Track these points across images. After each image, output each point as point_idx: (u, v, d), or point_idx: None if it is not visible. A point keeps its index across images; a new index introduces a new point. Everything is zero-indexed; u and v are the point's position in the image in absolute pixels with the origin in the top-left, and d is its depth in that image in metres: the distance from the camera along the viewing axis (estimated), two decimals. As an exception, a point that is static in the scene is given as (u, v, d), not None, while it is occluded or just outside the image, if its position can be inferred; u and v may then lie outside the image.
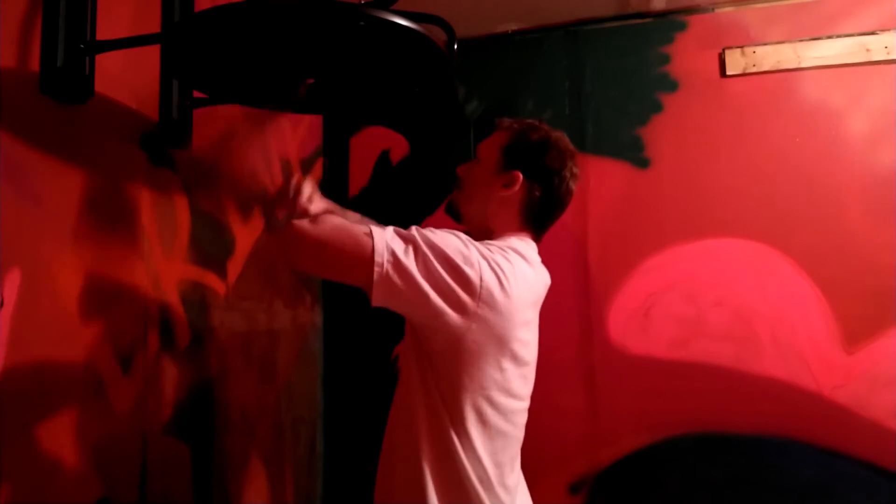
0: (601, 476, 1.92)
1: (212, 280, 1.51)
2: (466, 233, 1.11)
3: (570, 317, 1.97)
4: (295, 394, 1.93)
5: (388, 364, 2.11)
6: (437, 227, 1.06)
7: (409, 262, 0.97)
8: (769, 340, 1.84)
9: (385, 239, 0.98)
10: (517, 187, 1.16)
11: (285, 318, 1.89)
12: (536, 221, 1.19)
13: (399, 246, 0.98)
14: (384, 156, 2.22)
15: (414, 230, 1.02)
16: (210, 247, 1.52)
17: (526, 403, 1.16)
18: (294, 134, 1.99)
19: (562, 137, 1.20)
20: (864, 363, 1.78)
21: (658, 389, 1.89)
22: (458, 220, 1.26)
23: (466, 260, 1.00)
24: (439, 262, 0.99)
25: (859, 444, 1.75)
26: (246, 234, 1.66)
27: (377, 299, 0.99)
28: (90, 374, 1.12)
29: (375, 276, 0.96)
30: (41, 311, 1.02)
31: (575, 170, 1.19)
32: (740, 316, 1.87)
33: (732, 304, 1.88)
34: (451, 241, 1.02)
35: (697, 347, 1.89)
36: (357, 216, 1.31)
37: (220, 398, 1.52)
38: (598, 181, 2.00)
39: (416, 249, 0.99)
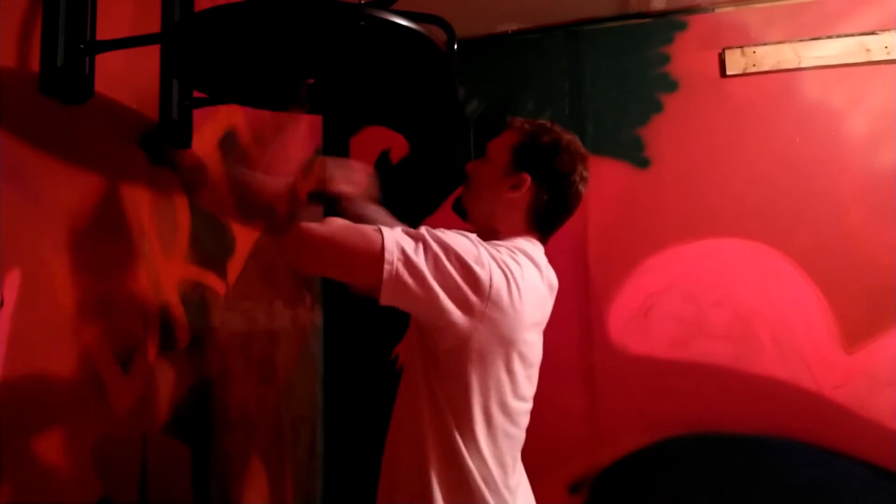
0: (601, 476, 1.92)
1: (212, 280, 1.51)
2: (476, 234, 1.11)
3: (570, 317, 1.97)
4: (295, 394, 1.93)
5: (388, 364, 2.11)
6: (438, 226, 1.06)
7: (420, 260, 0.97)
8: (769, 340, 1.84)
9: (395, 237, 0.98)
10: (525, 189, 1.15)
11: (285, 318, 1.89)
12: (543, 224, 1.18)
13: (409, 244, 0.98)
14: (384, 156, 2.22)
15: (423, 229, 1.02)
16: (210, 247, 1.52)
17: (530, 405, 1.16)
18: (294, 134, 1.99)
19: (573, 141, 1.19)
20: (864, 363, 1.78)
21: (658, 389, 1.89)
22: (465, 218, 1.26)
23: (477, 260, 1.00)
24: (450, 261, 0.98)
25: (859, 444, 1.75)
26: (246, 234, 1.66)
27: (386, 298, 0.98)
28: (90, 375, 1.12)
29: (385, 274, 0.96)
30: (41, 311, 1.02)
31: (585, 174, 1.18)
32: (740, 316, 1.87)
33: (732, 304, 1.88)
34: (461, 241, 1.02)
35: (697, 347, 1.89)
36: (384, 211, 1.33)
37: (220, 398, 1.52)
38: (598, 181, 1.98)
39: (426, 248, 0.99)
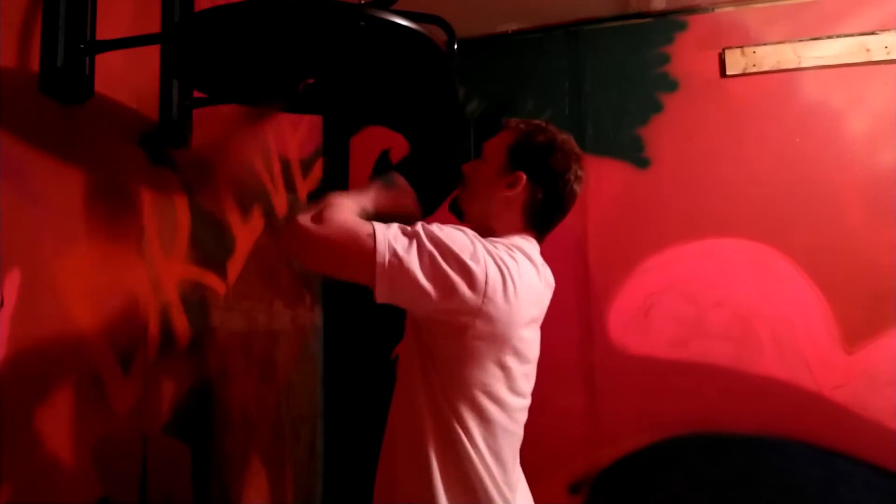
0: (601, 476, 1.92)
1: (212, 280, 1.51)
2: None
3: (570, 317, 1.97)
4: (295, 394, 1.93)
5: (388, 364, 2.11)
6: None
7: (411, 259, 0.97)
8: (769, 340, 1.84)
9: (387, 237, 0.98)
10: (520, 188, 1.15)
11: (285, 318, 1.89)
12: (539, 223, 1.19)
13: (401, 243, 0.98)
14: (384, 156, 2.22)
15: (419, 226, 1.02)
16: (210, 247, 1.51)
17: (527, 401, 1.16)
18: (294, 134, 1.99)
19: (568, 140, 1.20)
20: (863, 363, 1.78)
21: (658, 389, 1.89)
22: (461, 218, 1.26)
23: (473, 256, 1.00)
24: (444, 258, 0.99)
25: (859, 444, 1.75)
26: (246, 234, 1.66)
27: (380, 296, 0.99)
28: (90, 374, 1.12)
29: (377, 274, 0.97)
30: (41, 311, 1.02)
31: (580, 172, 1.19)
32: (740, 316, 1.87)
33: (732, 304, 1.88)
34: (458, 237, 1.02)
35: (697, 347, 1.89)
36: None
37: (220, 398, 1.52)
38: (598, 181, 1.99)
39: (420, 246, 0.99)
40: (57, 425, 1.04)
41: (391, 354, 2.11)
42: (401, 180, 1.32)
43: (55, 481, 1.04)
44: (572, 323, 1.98)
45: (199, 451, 1.42)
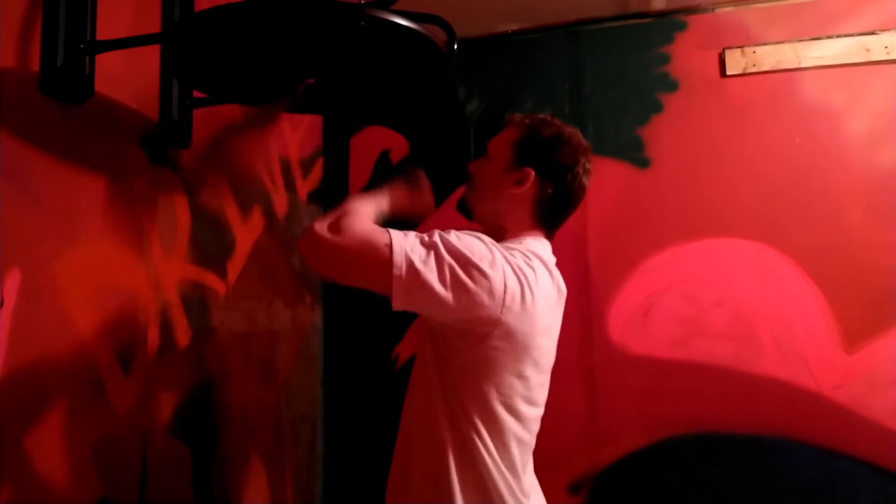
0: (601, 476, 1.92)
1: (212, 280, 1.51)
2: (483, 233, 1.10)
3: (570, 317, 1.94)
4: (295, 394, 1.93)
5: (388, 364, 2.11)
6: (439, 226, 1.06)
7: (428, 270, 0.96)
8: (769, 340, 1.84)
9: (404, 248, 0.97)
10: (529, 184, 1.14)
11: (285, 318, 1.89)
12: (549, 219, 1.18)
13: (419, 254, 0.97)
14: (384, 156, 2.22)
15: (437, 235, 1.01)
16: (210, 247, 1.52)
17: (541, 411, 1.15)
18: (294, 134, 1.99)
19: (574, 133, 1.18)
20: (863, 363, 1.78)
21: (658, 389, 1.89)
22: (470, 218, 1.25)
23: (492, 265, 0.99)
24: (462, 269, 0.98)
25: (859, 444, 1.75)
26: (246, 234, 1.66)
27: (397, 306, 0.99)
28: (90, 374, 1.12)
29: (393, 284, 0.96)
30: (41, 311, 1.02)
31: (588, 165, 1.18)
32: (740, 316, 1.87)
33: (732, 304, 1.88)
34: (476, 247, 1.01)
35: (697, 347, 1.89)
36: None
37: (220, 398, 1.52)
38: (598, 181, 1.98)
39: (438, 257, 0.98)
40: (57, 425, 1.05)
41: (391, 354, 2.11)
42: (423, 178, 1.31)
43: (55, 481, 1.04)
44: (572, 323, 1.97)
45: (199, 451, 1.42)
